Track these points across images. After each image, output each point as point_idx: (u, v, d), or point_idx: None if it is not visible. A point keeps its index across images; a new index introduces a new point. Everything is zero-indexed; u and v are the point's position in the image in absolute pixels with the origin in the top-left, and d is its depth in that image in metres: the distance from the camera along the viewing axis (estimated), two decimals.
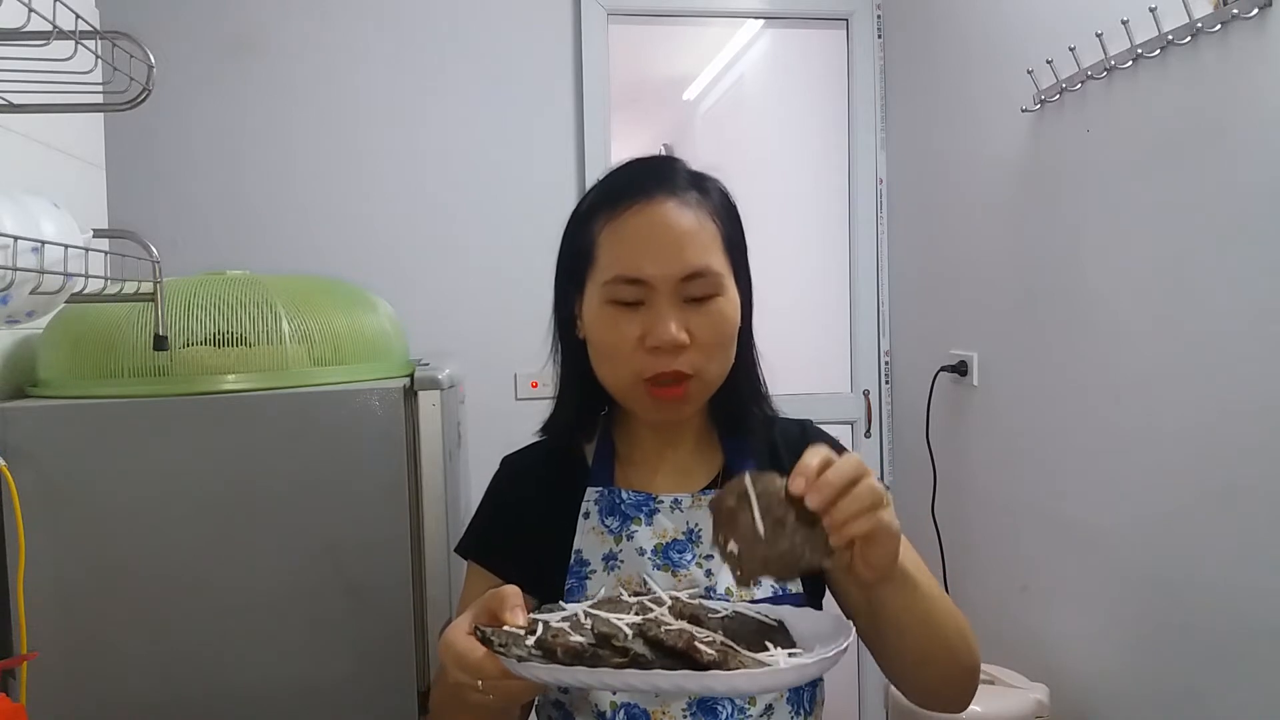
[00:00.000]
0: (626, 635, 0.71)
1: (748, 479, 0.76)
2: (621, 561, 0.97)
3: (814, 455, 0.75)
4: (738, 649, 0.72)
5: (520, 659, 0.71)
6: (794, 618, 0.82)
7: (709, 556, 0.97)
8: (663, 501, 0.99)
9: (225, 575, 1.24)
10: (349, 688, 1.27)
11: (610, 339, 0.94)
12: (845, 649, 0.73)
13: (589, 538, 0.99)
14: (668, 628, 0.71)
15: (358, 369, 1.38)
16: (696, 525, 0.98)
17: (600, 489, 1.01)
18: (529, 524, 1.01)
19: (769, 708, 0.92)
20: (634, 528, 0.98)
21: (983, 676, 1.76)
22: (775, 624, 0.81)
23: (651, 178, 0.96)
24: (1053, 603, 1.84)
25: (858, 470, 0.74)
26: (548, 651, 0.71)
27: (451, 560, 1.35)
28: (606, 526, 0.99)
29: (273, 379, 1.29)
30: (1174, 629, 1.49)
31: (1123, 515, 1.61)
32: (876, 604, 0.86)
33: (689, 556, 0.97)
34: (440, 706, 0.98)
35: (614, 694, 0.91)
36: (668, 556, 0.96)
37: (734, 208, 1.01)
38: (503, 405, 2.37)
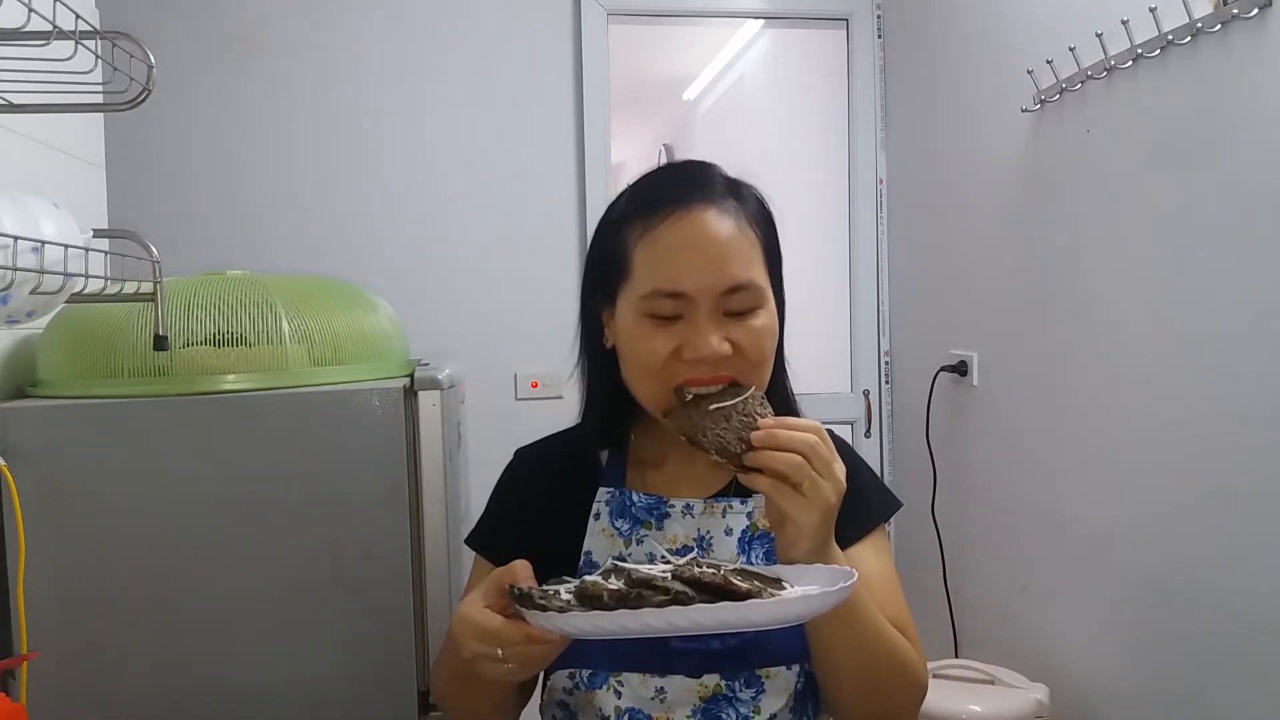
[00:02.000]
0: (664, 578, 0.73)
1: (756, 391, 0.87)
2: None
3: (807, 424, 0.82)
4: (765, 586, 0.74)
5: (561, 610, 0.72)
6: (789, 573, 0.83)
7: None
8: (674, 506, 0.98)
9: (225, 575, 1.24)
10: (349, 688, 1.27)
11: (646, 351, 0.90)
12: (855, 579, 0.76)
13: (599, 539, 0.98)
14: (700, 570, 0.74)
15: (358, 369, 1.37)
16: (707, 532, 0.97)
17: (611, 490, 0.99)
18: (538, 521, 1.01)
19: (773, 718, 0.92)
20: (644, 532, 0.97)
21: (983, 676, 1.78)
22: (775, 577, 0.82)
23: (688, 184, 0.93)
24: (1053, 603, 1.84)
25: (806, 449, 0.79)
26: (590, 599, 0.73)
27: (451, 561, 1.35)
28: (617, 529, 0.97)
29: (273, 379, 1.29)
30: (1174, 629, 1.49)
31: (1123, 515, 1.61)
32: (816, 632, 0.88)
33: None
34: (446, 688, 0.98)
35: (619, 698, 0.91)
36: None
37: (770, 215, 0.98)
38: (503, 405, 2.37)
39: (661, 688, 0.91)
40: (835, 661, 0.89)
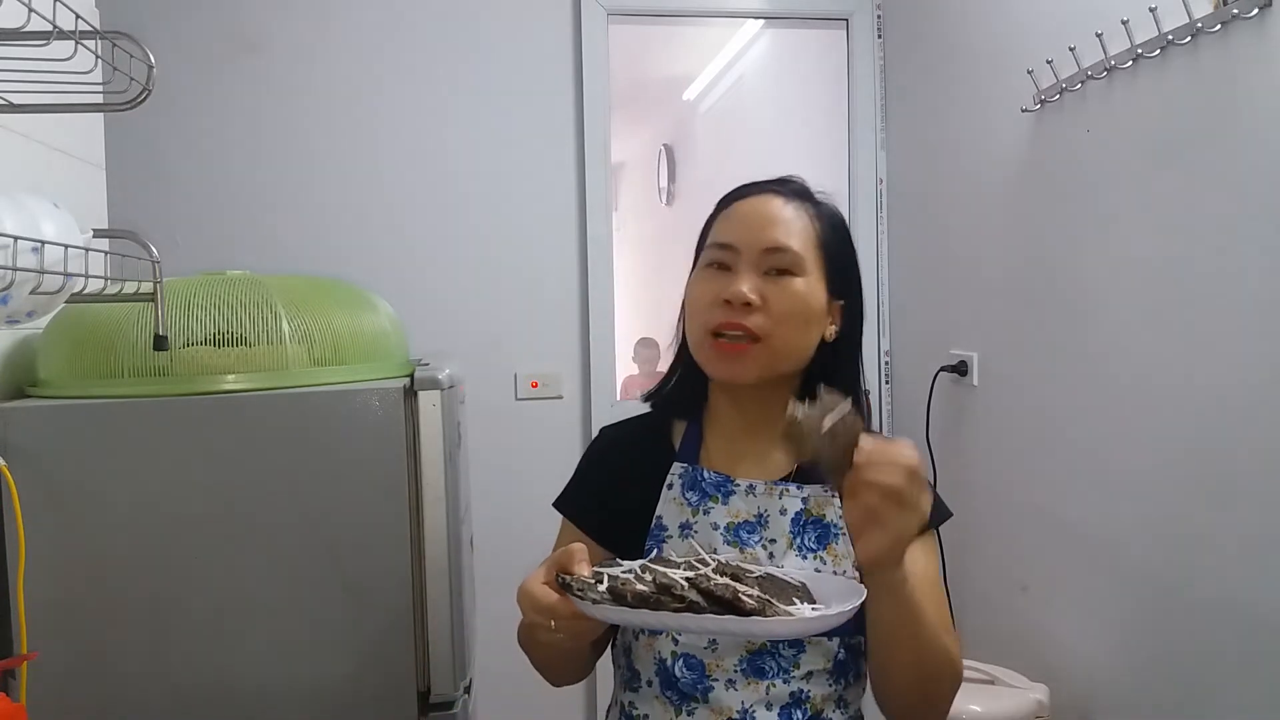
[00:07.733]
0: (683, 586, 0.85)
1: (850, 408, 0.88)
2: (695, 531, 1.06)
3: (908, 449, 0.84)
4: (774, 601, 0.84)
5: (595, 602, 0.85)
6: (814, 581, 0.94)
7: (773, 540, 1.05)
8: (739, 485, 1.08)
9: (225, 575, 1.24)
10: (349, 688, 1.27)
11: (693, 295, 1.07)
12: (859, 605, 0.86)
13: (670, 507, 1.08)
14: (715, 581, 0.85)
15: (358, 369, 1.37)
16: (766, 511, 1.06)
17: (685, 465, 1.10)
18: (618, 489, 1.12)
19: (810, 674, 1.01)
20: (711, 505, 1.07)
21: (983, 676, 1.78)
22: (799, 585, 0.92)
23: (768, 181, 1.11)
24: (1053, 603, 1.84)
25: (906, 483, 0.82)
26: (618, 596, 0.85)
27: (452, 560, 1.35)
28: (687, 500, 1.08)
29: (273, 379, 1.29)
30: (1174, 629, 1.49)
31: (1123, 515, 1.61)
32: (874, 606, 0.93)
33: (756, 538, 1.05)
34: (525, 642, 1.08)
35: (675, 644, 1.01)
36: (737, 534, 1.05)
37: (844, 229, 1.12)
38: (503, 405, 2.36)
39: (714, 638, 1.01)
40: (890, 654, 0.97)
